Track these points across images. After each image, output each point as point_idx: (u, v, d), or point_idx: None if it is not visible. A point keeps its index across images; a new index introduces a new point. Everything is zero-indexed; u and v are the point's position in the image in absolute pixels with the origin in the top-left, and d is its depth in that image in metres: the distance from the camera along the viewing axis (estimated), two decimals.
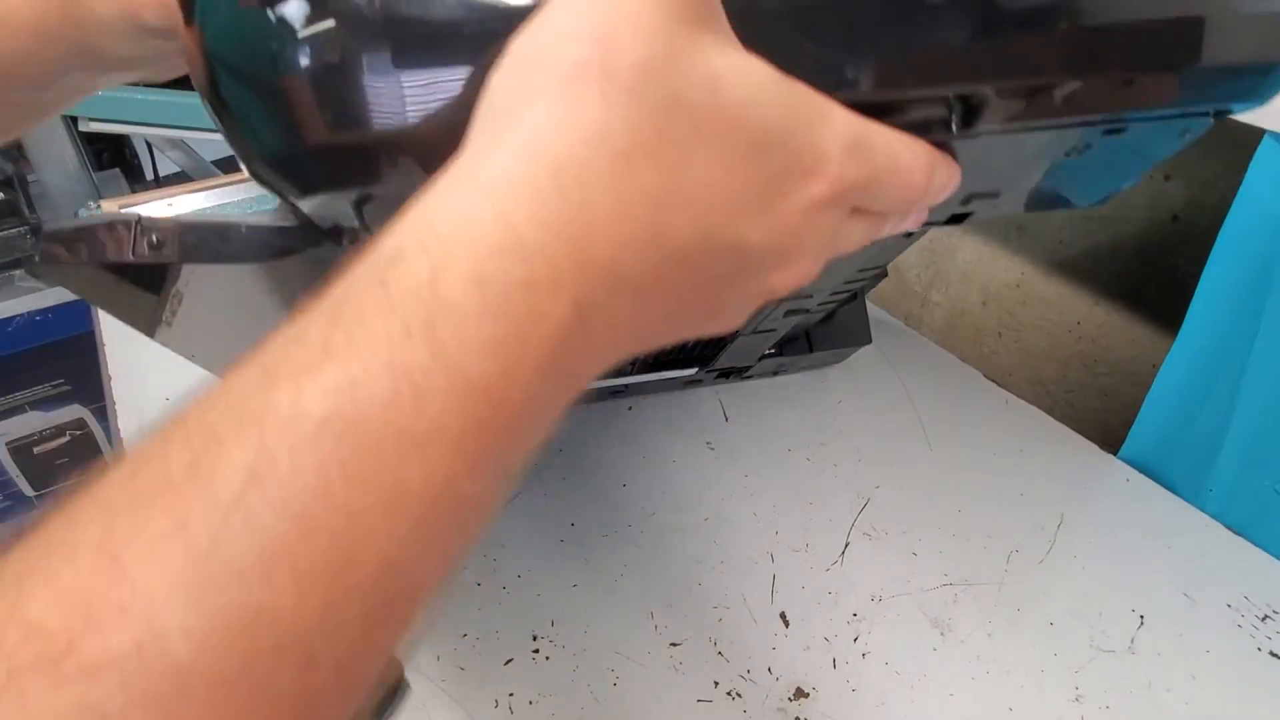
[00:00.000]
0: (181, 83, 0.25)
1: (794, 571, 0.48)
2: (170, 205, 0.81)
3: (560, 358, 0.17)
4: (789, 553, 0.49)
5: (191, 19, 0.22)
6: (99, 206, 0.80)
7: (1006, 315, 0.77)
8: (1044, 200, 0.33)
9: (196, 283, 0.34)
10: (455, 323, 0.16)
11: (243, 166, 0.24)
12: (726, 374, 0.60)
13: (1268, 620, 0.45)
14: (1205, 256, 0.50)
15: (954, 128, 0.24)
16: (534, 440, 0.18)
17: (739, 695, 0.41)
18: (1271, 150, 0.46)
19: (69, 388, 1.29)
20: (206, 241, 0.33)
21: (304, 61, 0.20)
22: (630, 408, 0.61)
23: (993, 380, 0.64)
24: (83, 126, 0.90)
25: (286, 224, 0.31)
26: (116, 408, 0.60)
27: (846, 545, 0.50)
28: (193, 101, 0.85)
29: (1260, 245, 0.48)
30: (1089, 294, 0.69)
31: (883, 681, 0.42)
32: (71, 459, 1.36)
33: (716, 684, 0.42)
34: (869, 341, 0.58)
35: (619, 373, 0.54)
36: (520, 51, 0.18)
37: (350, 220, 0.27)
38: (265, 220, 0.33)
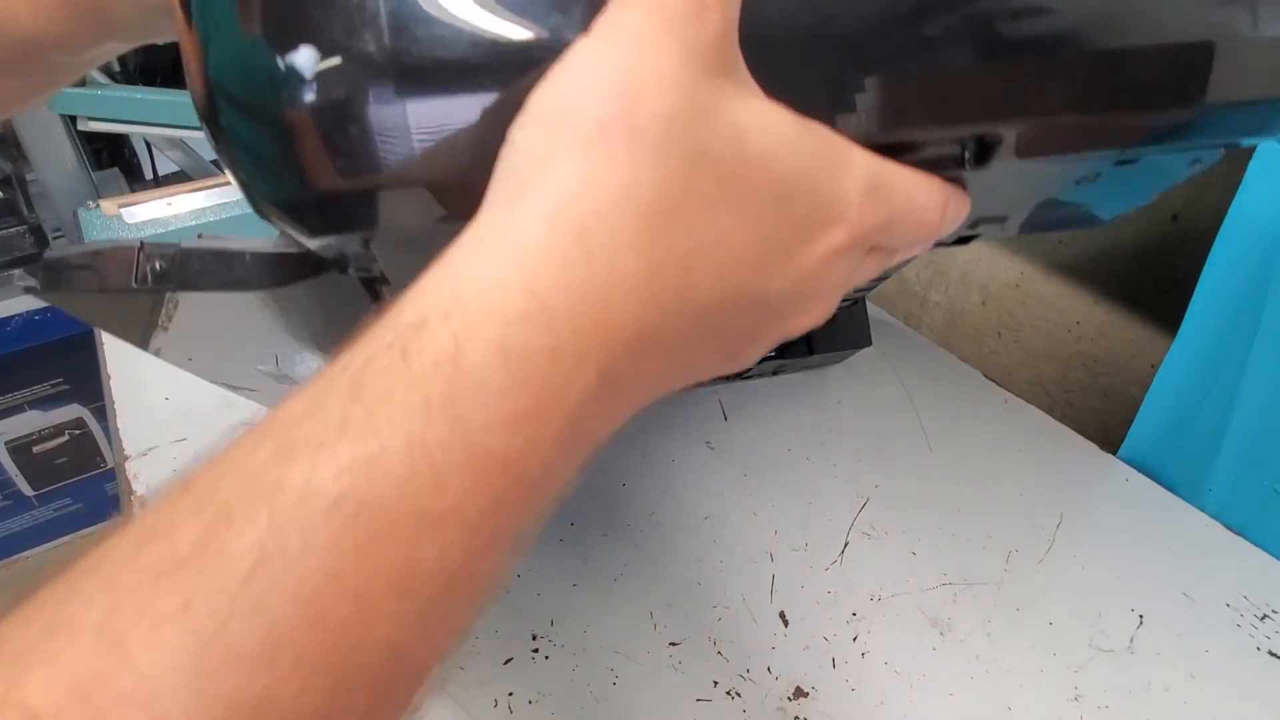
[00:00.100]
0: (180, 82, 0.24)
1: (793, 571, 0.48)
2: (170, 204, 0.82)
3: (580, 425, 0.17)
4: (788, 552, 0.49)
5: (189, 19, 0.21)
6: (98, 205, 0.80)
7: (1006, 315, 0.77)
8: (1051, 223, 0.33)
9: (191, 298, 0.34)
10: (477, 398, 0.15)
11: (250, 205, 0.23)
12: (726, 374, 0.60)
13: (1267, 620, 0.45)
14: (1204, 256, 0.50)
15: (967, 165, 0.24)
16: (549, 507, 0.17)
17: (738, 694, 0.41)
18: (1270, 151, 0.46)
19: (68, 387, 1.29)
20: (210, 269, 0.33)
21: (310, 102, 0.19)
22: None
23: (992, 380, 0.64)
24: (82, 126, 0.89)
25: (290, 250, 0.31)
26: (115, 407, 0.60)
27: (846, 545, 0.50)
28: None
29: (1259, 245, 0.48)
30: (1088, 294, 0.69)
31: (882, 681, 0.42)
32: (70, 458, 1.36)
33: (716, 683, 0.42)
34: (869, 344, 0.58)
35: None
36: (542, 107, 0.18)
37: (357, 253, 0.27)
38: (269, 247, 0.32)
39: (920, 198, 0.21)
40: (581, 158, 0.17)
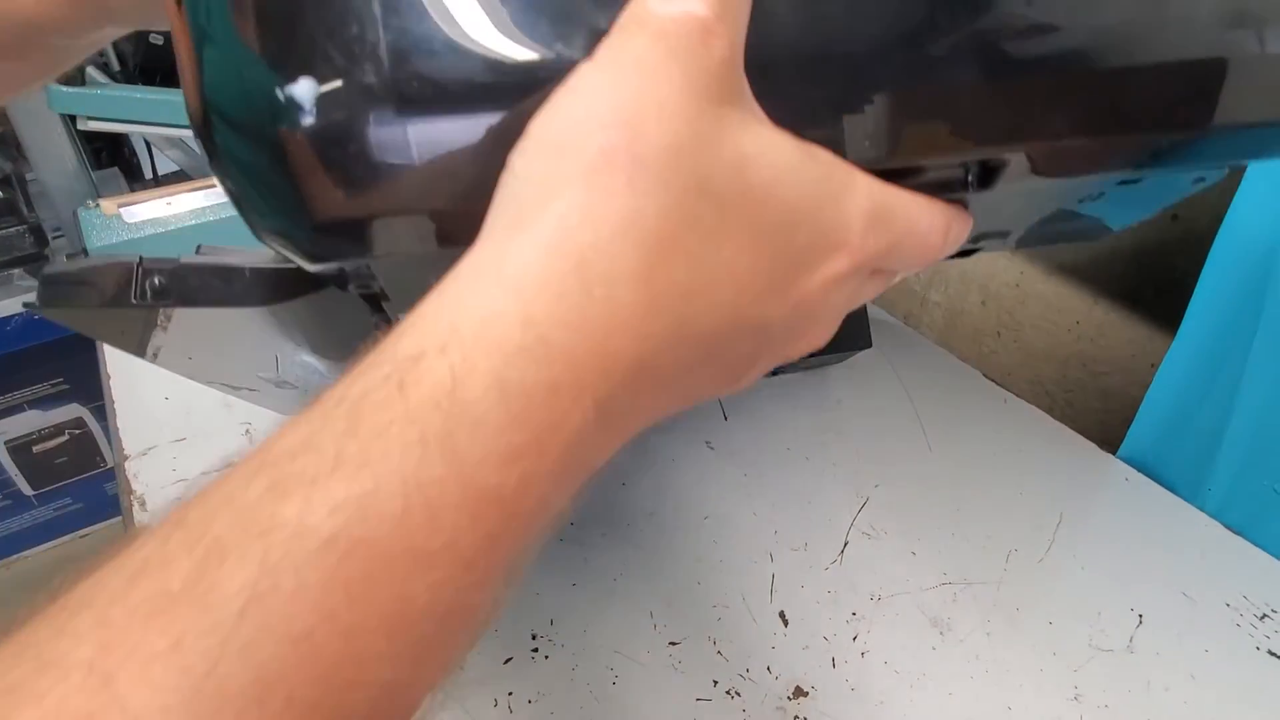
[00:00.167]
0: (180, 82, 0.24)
1: (793, 571, 0.48)
2: (169, 204, 0.81)
3: (576, 457, 0.17)
4: (788, 552, 0.49)
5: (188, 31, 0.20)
6: (98, 205, 0.80)
7: (1005, 315, 0.77)
8: (1052, 237, 0.33)
9: (189, 310, 0.34)
10: (474, 433, 0.15)
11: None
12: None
13: (1266, 619, 0.45)
14: (1204, 256, 0.50)
15: (970, 188, 0.24)
16: (542, 537, 0.17)
17: (738, 694, 0.41)
18: None
19: (67, 386, 1.30)
20: (208, 284, 0.32)
21: (309, 129, 0.19)
22: None
23: (992, 380, 0.64)
24: (81, 125, 0.89)
25: (289, 265, 0.31)
26: (115, 407, 0.60)
27: (846, 544, 0.50)
28: None
29: (1259, 245, 0.48)
30: (1088, 293, 0.69)
31: (882, 680, 0.42)
32: (70, 458, 1.36)
33: (716, 683, 0.42)
34: (869, 345, 0.58)
35: None
36: (543, 135, 0.17)
37: (357, 271, 0.26)
38: (267, 262, 0.32)
39: (923, 222, 0.21)
40: (582, 187, 0.16)
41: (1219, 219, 0.49)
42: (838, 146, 0.20)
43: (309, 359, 0.42)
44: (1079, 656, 0.43)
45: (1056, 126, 0.22)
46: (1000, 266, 0.76)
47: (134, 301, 0.31)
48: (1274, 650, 0.44)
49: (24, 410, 1.28)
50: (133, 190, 1.07)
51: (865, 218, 0.20)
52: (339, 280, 0.30)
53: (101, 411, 1.24)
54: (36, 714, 0.13)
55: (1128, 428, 0.57)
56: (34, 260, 1.06)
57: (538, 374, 0.15)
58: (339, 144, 0.19)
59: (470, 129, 0.19)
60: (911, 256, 0.22)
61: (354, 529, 0.14)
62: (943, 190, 0.23)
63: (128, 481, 0.53)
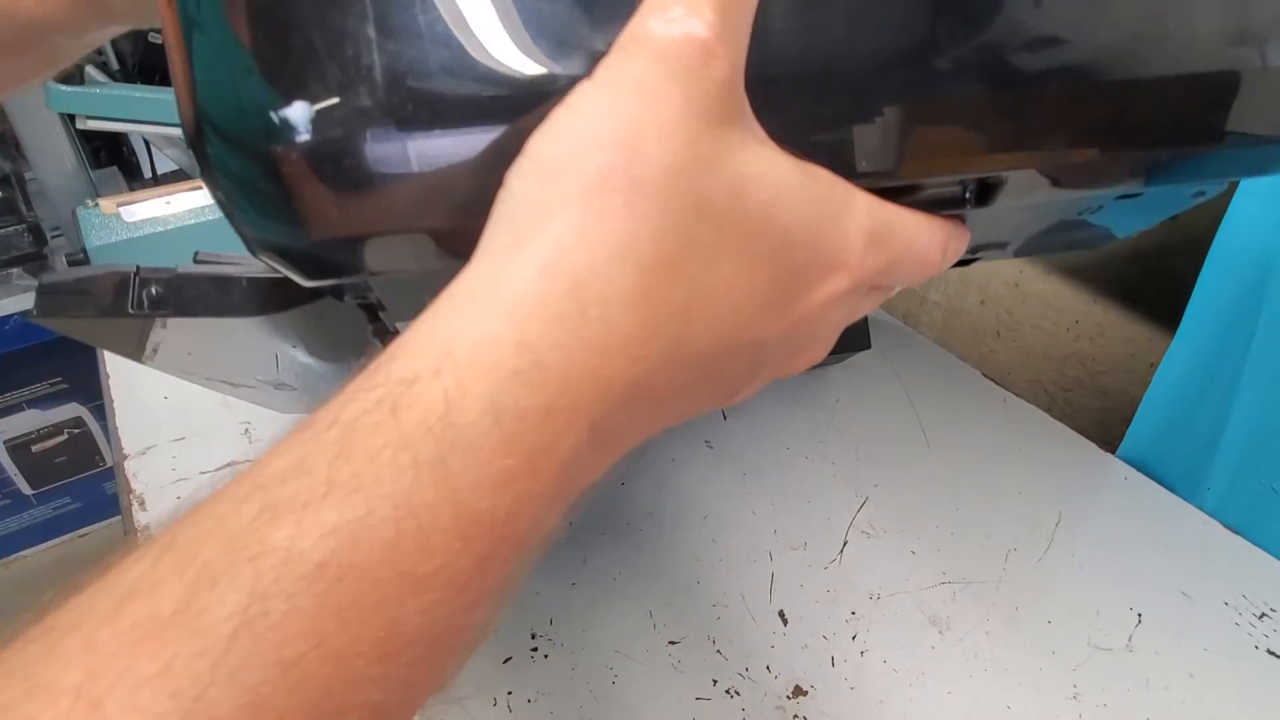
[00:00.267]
0: None
1: (792, 570, 0.48)
2: (168, 203, 0.81)
3: (569, 478, 0.17)
4: (787, 551, 0.49)
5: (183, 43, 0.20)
6: (96, 204, 0.80)
7: (1005, 314, 0.77)
8: (1050, 247, 0.33)
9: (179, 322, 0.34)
10: (467, 458, 0.15)
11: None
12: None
13: (1265, 618, 0.45)
14: (1203, 256, 0.50)
15: (968, 204, 0.24)
16: (534, 555, 0.17)
17: (738, 693, 0.41)
18: None
19: (67, 386, 1.29)
20: (206, 294, 0.32)
21: (305, 149, 0.18)
22: None
23: (991, 379, 0.64)
24: (80, 124, 0.89)
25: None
26: (114, 406, 0.60)
27: (845, 544, 0.50)
28: None
29: (1257, 244, 0.48)
30: (1087, 293, 0.69)
31: (881, 679, 0.42)
32: (69, 457, 1.36)
33: (715, 682, 0.42)
34: (868, 347, 0.58)
35: None
36: (541, 154, 0.17)
37: (354, 283, 0.26)
38: (265, 272, 0.32)
39: (921, 240, 0.21)
40: (579, 209, 0.16)
41: (1218, 220, 0.49)
42: (838, 165, 0.20)
43: (307, 361, 0.42)
44: (1078, 655, 0.43)
45: (1059, 144, 0.22)
46: (999, 266, 0.76)
47: (131, 311, 0.31)
48: (1272, 649, 0.44)
49: (23, 409, 1.28)
50: (132, 189, 1.07)
51: (865, 238, 0.20)
52: (336, 291, 0.30)
53: (101, 411, 1.24)
54: None
55: (1126, 427, 0.57)
56: (33, 259, 1.06)
57: (531, 398, 0.15)
58: (335, 162, 0.18)
59: (467, 148, 0.19)
60: (910, 273, 0.22)
61: (345, 554, 0.14)
62: (941, 207, 0.23)
63: (127, 481, 0.53)
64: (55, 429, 1.32)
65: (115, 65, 0.96)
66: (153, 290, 0.32)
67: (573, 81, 0.17)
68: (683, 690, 0.41)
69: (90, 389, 1.30)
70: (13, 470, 1.32)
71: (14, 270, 1.11)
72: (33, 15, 0.28)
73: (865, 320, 0.60)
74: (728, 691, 0.41)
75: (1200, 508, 0.53)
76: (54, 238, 1.10)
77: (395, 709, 0.15)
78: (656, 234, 0.16)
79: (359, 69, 0.18)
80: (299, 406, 0.50)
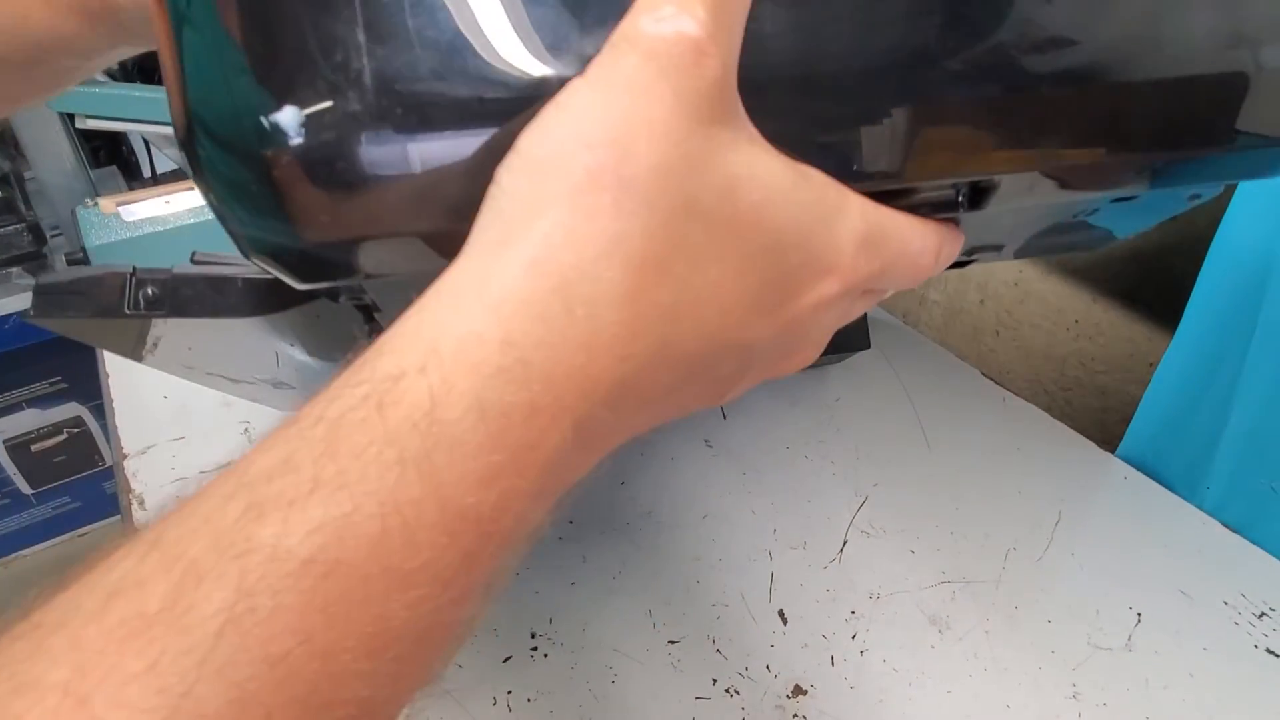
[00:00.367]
0: None
1: (792, 569, 0.48)
2: (168, 202, 0.81)
3: (554, 476, 0.17)
4: (787, 550, 0.49)
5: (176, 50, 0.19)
6: (96, 203, 0.80)
7: (1004, 313, 0.77)
8: (1047, 249, 0.33)
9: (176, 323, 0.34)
10: (452, 454, 0.15)
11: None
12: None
13: (1264, 618, 0.45)
14: (1202, 255, 0.50)
15: (961, 208, 0.24)
16: (521, 551, 0.17)
17: (737, 692, 0.41)
18: None
19: (66, 385, 1.29)
20: (201, 295, 0.32)
21: (296, 152, 0.18)
22: None
23: (991, 378, 0.64)
24: (80, 124, 0.89)
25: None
26: (114, 405, 0.60)
27: (845, 543, 0.50)
28: None
29: (1257, 244, 0.48)
30: (1086, 292, 0.69)
31: (881, 679, 0.42)
32: (69, 457, 1.36)
33: (715, 681, 0.42)
34: (868, 347, 0.58)
35: None
36: (531, 151, 0.17)
37: (348, 284, 0.26)
38: (261, 274, 0.32)
39: (915, 243, 0.21)
40: (568, 207, 0.16)
41: (1217, 219, 0.49)
42: (832, 167, 0.20)
43: (306, 360, 0.42)
44: (1077, 655, 0.43)
45: (1055, 146, 0.22)
46: (999, 266, 0.76)
47: (127, 312, 0.31)
48: (1272, 648, 0.44)
49: (22, 409, 1.28)
50: (131, 189, 1.07)
51: (857, 241, 0.20)
52: (330, 292, 0.30)
53: (100, 410, 1.24)
54: None
55: (1126, 426, 0.57)
56: (32, 259, 1.06)
57: (516, 395, 0.15)
58: (327, 165, 0.18)
59: (461, 150, 0.19)
60: (903, 277, 0.22)
61: (332, 551, 0.14)
62: (934, 211, 0.23)
63: (126, 480, 0.53)
64: (55, 428, 1.32)
65: (115, 65, 0.96)
66: (149, 291, 0.32)
67: (564, 83, 0.17)
68: (682, 689, 0.41)
69: (90, 388, 1.30)
70: (12, 470, 1.32)
71: (13, 269, 1.11)
72: (42, 35, 0.28)
73: (865, 319, 0.60)
74: (727, 691, 0.41)
75: (1200, 507, 0.53)
76: (53, 237, 1.10)
77: (383, 703, 0.15)
78: (645, 233, 0.16)
79: (351, 72, 0.18)
80: (298, 405, 0.50)
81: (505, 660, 0.43)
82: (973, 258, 0.32)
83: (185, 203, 0.78)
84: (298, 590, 0.14)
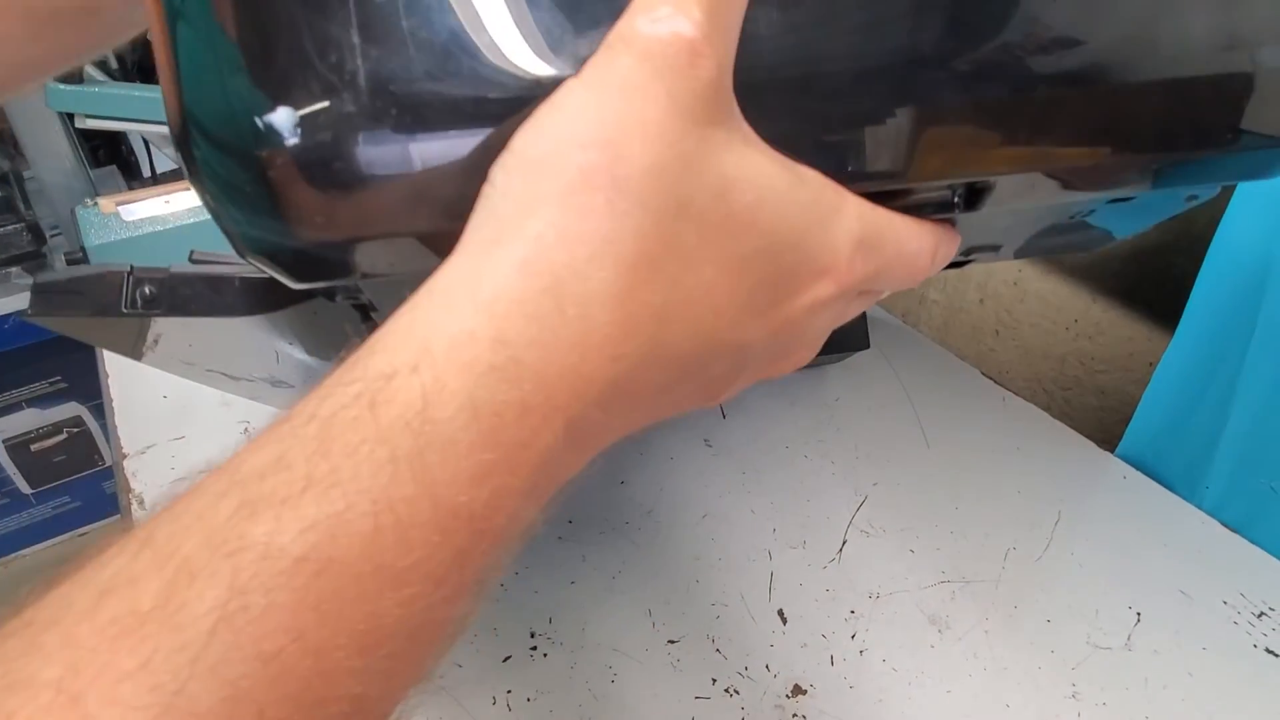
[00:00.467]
0: None
1: (792, 569, 0.48)
2: (168, 202, 0.81)
3: (547, 474, 0.17)
4: (787, 550, 0.49)
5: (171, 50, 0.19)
6: (95, 203, 0.80)
7: (1004, 313, 0.77)
8: (1045, 250, 0.33)
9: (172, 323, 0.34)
10: (444, 453, 0.15)
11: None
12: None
13: (1264, 617, 0.45)
14: (1202, 254, 0.50)
15: (957, 209, 0.23)
16: (514, 549, 0.17)
17: (737, 692, 0.41)
18: None
19: (66, 385, 1.29)
20: (199, 294, 0.33)
21: (292, 150, 0.18)
22: None
23: (990, 378, 0.64)
24: (79, 123, 0.89)
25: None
26: (114, 405, 0.60)
27: (844, 543, 0.50)
28: None
29: (1256, 243, 0.48)
30: (1086, 292, 0.69)
31: (880, 678, 0.42)
32: (68, 456, 1.36)
33: (714, 681, 0.42)
34: (867, 346, 0.58)
35: None
36: (525, 151, 0.17)
37: (344, 284, 0.26)
38: (258, 273, 0.32)
39: (911, 245, 0.21)
40: (560, 207, 0.16)
41: (1217, 219, 0.49)
42: (829, 168, 0.20)
43: (304, 358, 0.42)
44: (1077, 654, 0.43)
45: (1058, 147, 0.22)
46: (998, 265, 0.76)
47: (125, 311, 0.32)
48: (1271, 648, 0.44)
49: (22, 409, 1.28)
50: (131, 188, 1.07)
51: (853, 242, 0.20)
52: (327, 292, 0.30)
53: (100, 410, 1.24)
54: None
55: (1126, 426, 0.57)
56: (32, 258, 1.06)
57: (509, 394, 0.15)
58: (323, 166, 0.18)
59: (455, 150, 0.19)
60: (899, 278, 0.22)
61: (324, 549, 0.14)
62: (929, 211, 0.23)
63: (126, 480, 0.53)
64: (54, 428, 1.32)
65: (114, 64, 0.96)
66: (146, 290, 0.32)
67: (559, 83, 0.17)
68: (682, 689, 0.41)
69: (89, 388, 1.30)
70: (12, 469, 1.32)
71: (13, 269, 1.11)
72: None
73: (864, 319, 0.60)
74: (727, 690, 0.41)
75: (1199, 507, 0.53)
76: (53, 236, 1.10)
77: (375, 701, 0.15)
78: (637, 234, 0.16)
79: (346, 72, 0.18)
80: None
81: (505, 660, 0.43)
82: (970, 258, 0.32)
83: (185, 202, 0.78)
84: (290, 588, 0.14)
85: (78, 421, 1.34)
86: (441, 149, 0.19)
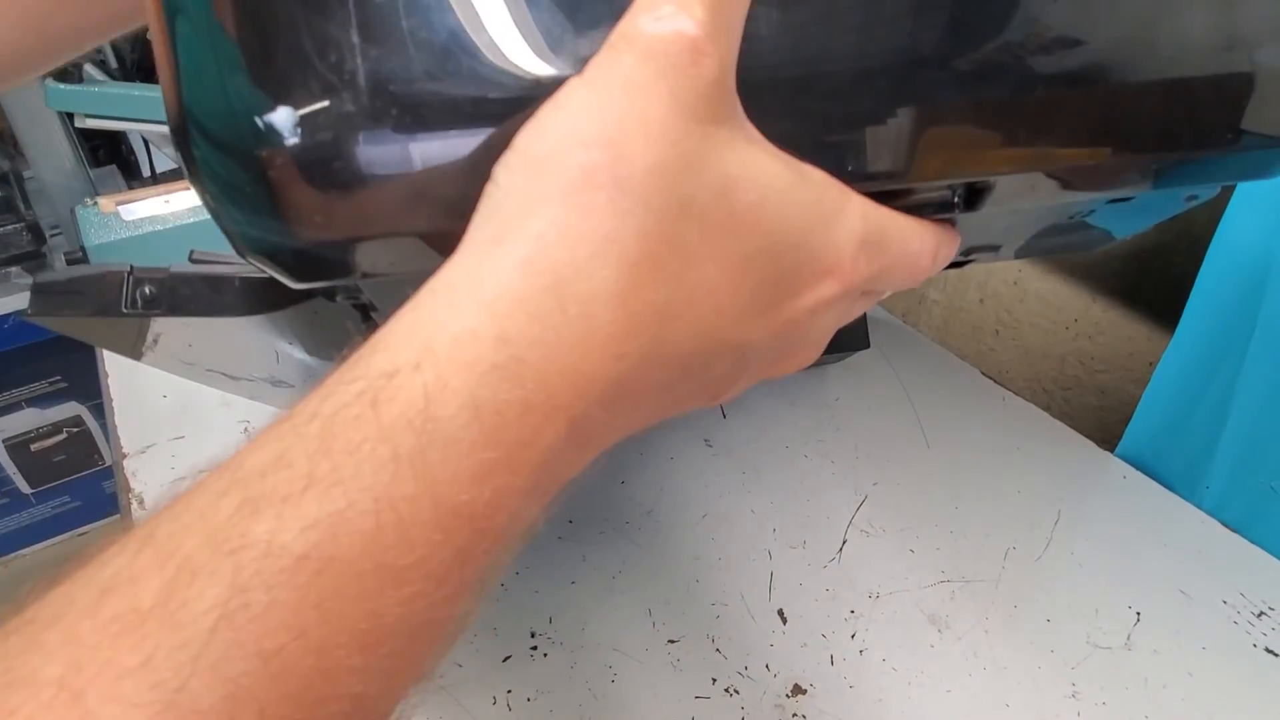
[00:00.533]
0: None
1: (792, 568, 0.48)
2: (167, 201, 0.81)
3: (548, 473, 0.17)
4: (786, 550, 0.49)
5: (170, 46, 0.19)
6: (95, 203, 0.80)
7: (1004, 313, 0.77)
8: (1045, 250, 0.33)
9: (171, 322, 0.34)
10: (446, 451, 0.15)
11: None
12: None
13: (1263, 617, 0.45)
14: (1202, 254, 0.50)
15: (957, 209, 0.23)
16: (515, 549, 0.17)
17: (737, 692, 0.41)
18: None
19: (66, 385, 1.29)
20: (199, 294, 0.33)
21: (292, 150, 0.18)
22: None
23: (990, 377, 0.64)
24: (79, 123, 0.89)
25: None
26: (114, 405, 0.60)
27: (844, 542, 0.50)
28: None
29: (1256, 243, 0.48)
30: (1086, 291, 0.69)
31: (880, 678, 0.42)
32: (68, 456, 1.36)
33: (714, 681, 0.42)
34: (867, 346, 0.58)
35: None
36: (527, 150, 0.17)
37: (345, 284, 0.26)
38: (258, 273, 0.32)
39: (913, 245, 0.21)
40: (562, 206, 0.16)
41: (1217, 219, 0.49)
42: (832, 167, 0.20)
43: (305, 358, 0.42)
44: (1077, 654, 0.43)
45: (1054, 149, 0.22)
46: (998, 265, 0.76)
47: (125, 311, 0.32)
48: (1270, 647, 0.44)
49: (22, 408, 1.28)
50: (131, 188, 1.07)
51: (857, 242, 0.19)
52: (327, 292, 0.30)
53: (100, 409, 1.24)
54: None
55: (1125, 425, 0.57)
56: (32, 258, 1.06)
57: (510, 393, 0.15)
58: (323, 165, 0.18)
59: (456, 150, 0.18)
60: (901, 278, 0.22)
61: (326, 547, 0.14)
62: (929, 211, 0.23)
63: (126, 479, 0.53)
64: (54, 428, 1.32)
65: (114, 63, 0.96)
66: (146, 290, 0.32)
67: (561, 83, 0.17)
68: (682, 689, 0.41)
69: (89, 388, 1.30)
70: (12, 469, 1.32)
71: (13, 269, 1.11)
72: None
73: (864, 319, 0.60)
74: (727, 690, 0.41)
75: (1199, 506, 0.53)
76: (53, 236, 1.10)
77: (376, 699, 0.15)
78: (639, 232, 0.16)
79: (346, 72, 0.18)
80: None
81: (505, 659, 0.43)
82: (970, 258, 0.32)
83: (184, 202, 0.78)
84: (292, 586, 0.14)
85: (77, 421, 1.34)
86: (442, 149, 0.18)
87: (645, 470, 0.55)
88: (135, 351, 0.38)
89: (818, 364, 0.65)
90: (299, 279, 0.21)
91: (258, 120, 0.18)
